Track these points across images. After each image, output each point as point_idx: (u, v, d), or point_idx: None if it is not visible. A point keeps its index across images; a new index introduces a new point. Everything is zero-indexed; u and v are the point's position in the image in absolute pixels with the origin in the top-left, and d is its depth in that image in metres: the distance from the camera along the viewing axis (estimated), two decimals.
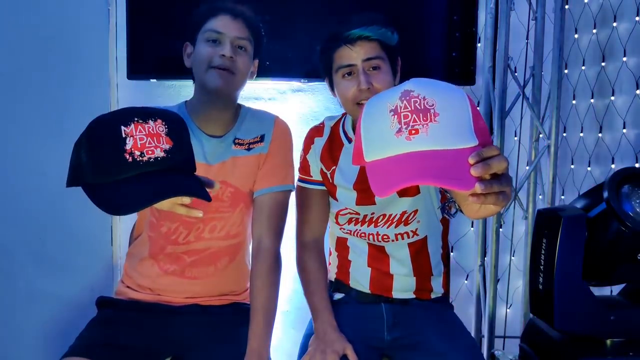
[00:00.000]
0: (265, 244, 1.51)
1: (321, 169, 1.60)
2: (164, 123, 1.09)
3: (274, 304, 1.48)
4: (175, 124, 1.12)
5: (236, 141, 1.53)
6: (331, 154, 1.59)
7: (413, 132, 0.85)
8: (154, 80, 2.22)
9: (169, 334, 1.49)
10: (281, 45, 2.14)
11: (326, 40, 1.48)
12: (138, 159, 1.04)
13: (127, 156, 1.04)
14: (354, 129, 1.58)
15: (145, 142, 1.04)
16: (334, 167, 1.58)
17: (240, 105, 1.61)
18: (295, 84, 2.27)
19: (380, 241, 1.57)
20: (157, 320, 1.51)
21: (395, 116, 0.88)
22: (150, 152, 1.05)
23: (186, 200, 1.10)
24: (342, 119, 1.64)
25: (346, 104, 1.48)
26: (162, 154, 1.06)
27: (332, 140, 1.61)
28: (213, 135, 1.53)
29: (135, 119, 1.06)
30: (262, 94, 2.31)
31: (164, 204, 1.11)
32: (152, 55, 2.15)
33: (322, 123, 1.66)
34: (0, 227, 2.29)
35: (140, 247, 1.59)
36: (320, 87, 2.30)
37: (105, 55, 2.24)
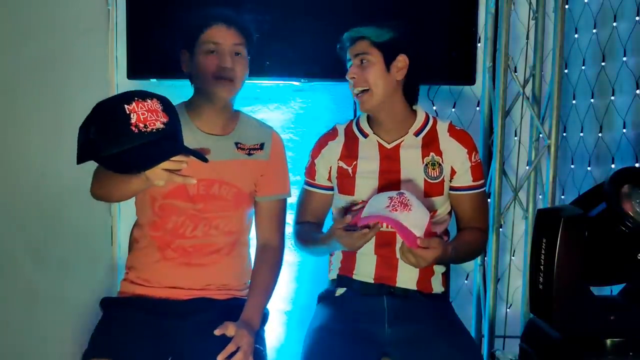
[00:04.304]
0: (274, 243, 1.71)
1: (339, 167, 1.71)
2: (159, 101, 1.27)
3: (272, 286, 1.66)
4: (168, 103, 1.29)
5: (239, 146, 1.66)
6: (350, 152, 1.71)
7: (395, 209, 1.44)
8: (154, 80, 2.22)
9: (175, 333, 1.52)
10: (281, 45, 2.14)
11: (339, 42, 1.71)
12: (143, 130, 1.21)
13: (134, 128, 1.21)
14: (369, 122, 1.73)
15: (147, 116, 1.22)
16: (355, 162, 1.70)
17: (238, 111, 1.72)
18: (295, 84, 2.27)
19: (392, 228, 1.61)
20: (163, 318, 1.53)
21: (390, 200, 1.46)
22: (152, 124, 1.22)
23: (184, 165, 1.26)
24: (355, 119, 1.78)
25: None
26: (162, 126, 1.24)
27: (348, 139, 1.74)
28: (211, 133, 1.63)
29: (136, 98, 1.24)
30: (262, 94, 2.30)
31: (162, 175, 1.25)
32: (152, 55, 2.15)
33: (334, 128, 1.78)
34: (0, 227, 2.29)
35: (147, 248, 1.63)
36: (320, 87, 2.30)
37: (105, 55, 2.24)
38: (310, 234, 1.70)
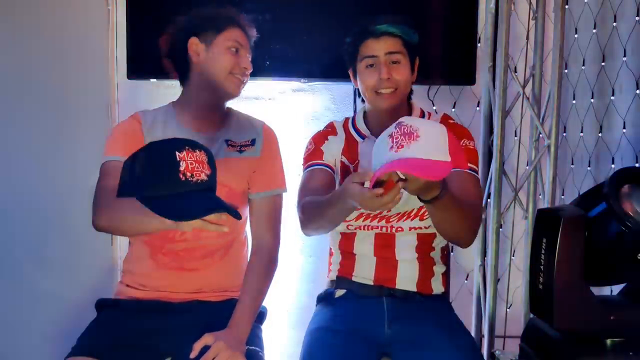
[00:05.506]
0: (267, 242, 1.64)
1: (342, 161, 1.67)
2: (205, 154, 1.31)
3: (264, 289, 1.60)
4: (211, 156, 1.33)
5: (229, 143, 1.63)
6: (351, 150, 1.68)
7: (400, 146, 1.21)
8: (154, 80, 2.22)
9: (169, 334, 1.50)
10: (281, 45, 2.14)
11: (354, 32, 1.63)
12: (189, 179, 1.26)
13: (181, 176, 1.25)
14: (366, 122, 1.69)
15: (195, 167, 1.27)
16: (356, 162, 1.67)
17: (228, 108, 1.70)
18: (295, 84, 2.27)
19: (392, 232, 1.61)
20: (157, 320, 1.52)
21: (390, 139, 1.24)
22: (197, 175, 1.27)
23: (223, 217, 1.28)
24: (351, 118, 1.73)
25: (366, 91, 1.61)
26: (205, 178, 1.28)
27: (347, 137, 1.69)
28: (201, 132, 1.61)
29: (187, 147, 1.28)
30: (262, 94, 2.31)
31: (196, 223, 1.28)
32: (152, 55, 2.12)
33: (331, 124, 1.74)
34: (1, 227, 2.29)
35: (139, 252, 1.62)
36: (320, 87, 2.30)
37: (105, 55, 2.24)
38: (317, 199, 1.52)
